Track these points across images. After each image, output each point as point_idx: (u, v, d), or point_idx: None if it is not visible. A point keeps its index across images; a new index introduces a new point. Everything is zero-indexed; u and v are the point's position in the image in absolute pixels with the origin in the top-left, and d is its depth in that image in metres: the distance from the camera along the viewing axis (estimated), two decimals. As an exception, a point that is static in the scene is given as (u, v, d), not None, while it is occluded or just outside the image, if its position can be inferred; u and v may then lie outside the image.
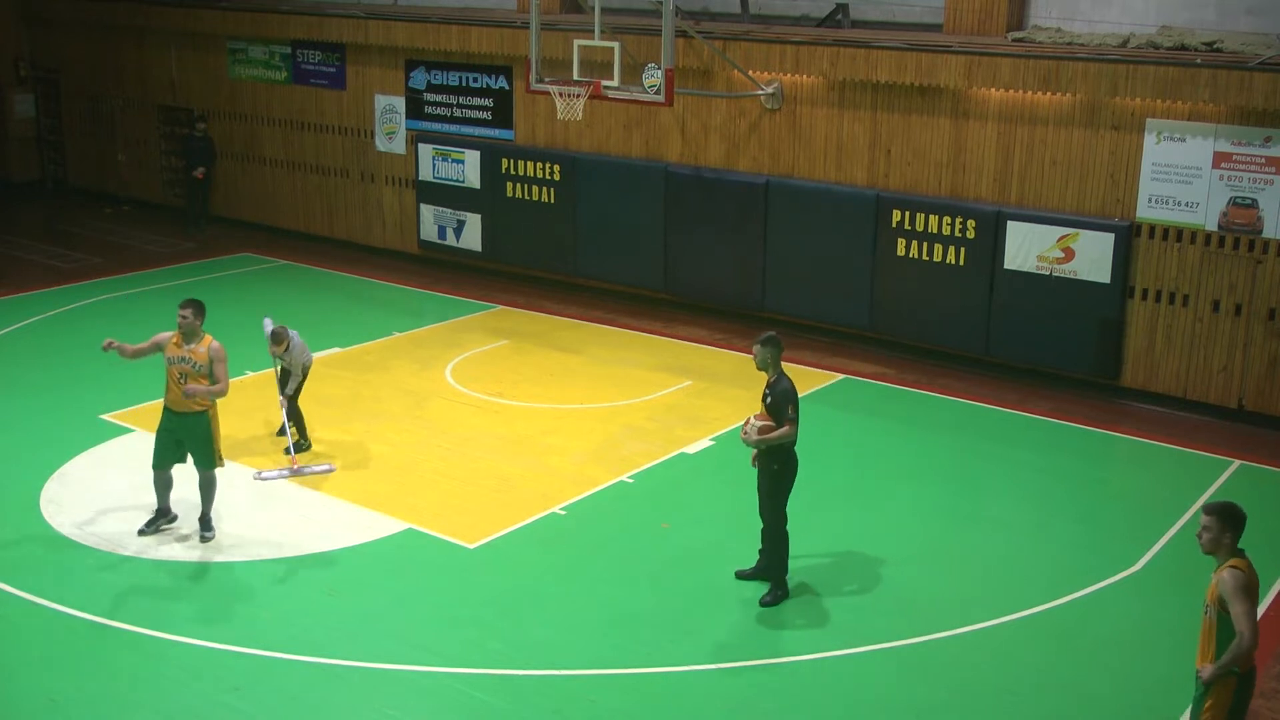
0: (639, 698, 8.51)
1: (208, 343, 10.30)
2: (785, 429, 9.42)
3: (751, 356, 9.72)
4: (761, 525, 9.95)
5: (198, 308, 10.37)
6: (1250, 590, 6.63)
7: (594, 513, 11.32)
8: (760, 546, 10.05)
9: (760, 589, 9.83)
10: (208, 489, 10.62)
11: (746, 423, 9.63)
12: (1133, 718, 8.40)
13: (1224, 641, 6.64)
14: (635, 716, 8.32)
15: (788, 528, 9.78)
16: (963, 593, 9.98)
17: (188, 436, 10.41)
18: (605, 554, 10.45)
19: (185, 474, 10.73)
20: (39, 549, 10.43)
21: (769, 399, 9.52)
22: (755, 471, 9.85)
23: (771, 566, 9.79)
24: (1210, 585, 6.74)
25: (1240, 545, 6.83)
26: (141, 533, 10.59)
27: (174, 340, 10.31)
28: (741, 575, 10.05)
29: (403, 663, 8.83)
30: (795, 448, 9.63)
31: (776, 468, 9.62)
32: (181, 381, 10.24)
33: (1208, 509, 6.85)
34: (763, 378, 9.73)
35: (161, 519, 10.72)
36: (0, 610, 9.44)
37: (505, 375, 14.96)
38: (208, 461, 10.53)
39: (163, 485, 10.68)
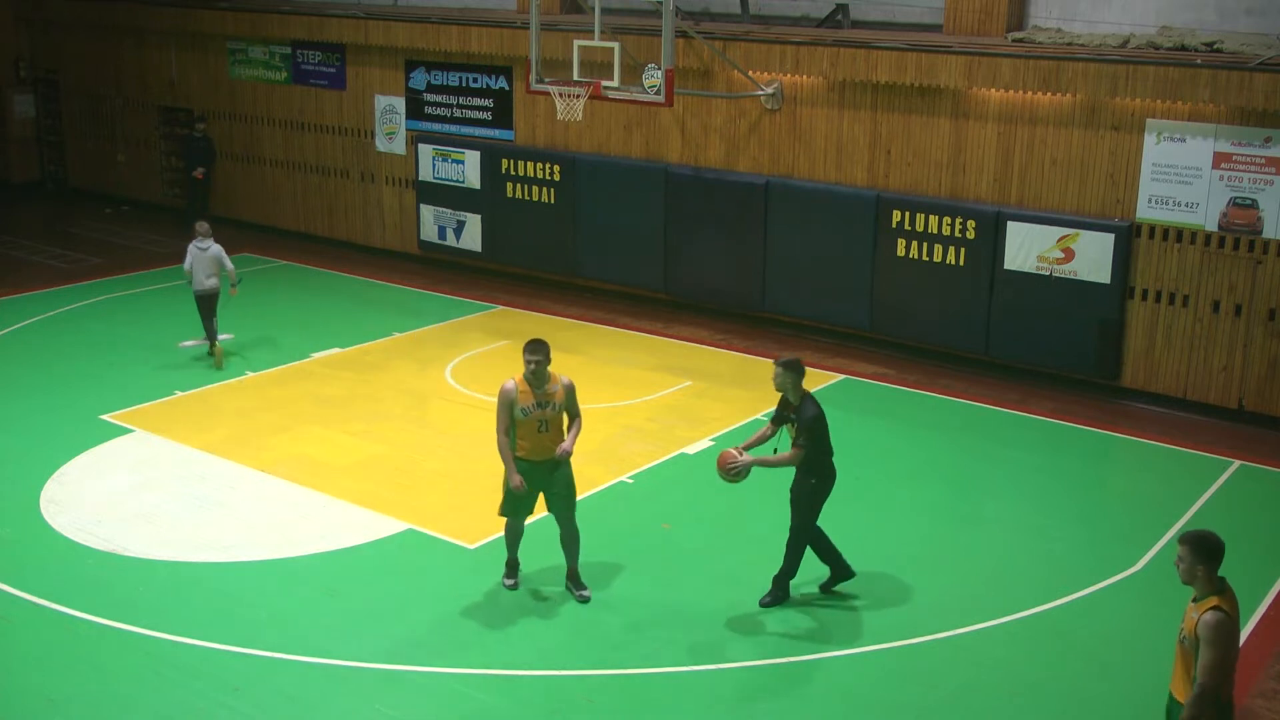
0: (639, 698, 8.51)
1: (558, 380, 9.40)
2: (788, 455, 9.30)
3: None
4: (820, 528, 9.76)
5: (547, 351, 9.36)
6: (1231, 636, 6.28)
7: (594, 513, 11.30)
8: (821, 558, 9.83)
9: (831, 592, 9.79)
10: (574, 542, 9.73)
11: (730, 460, 9.31)
12: (1133, 718, 8.39)
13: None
14: (635, 716, 8.32)
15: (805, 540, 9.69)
16: (963, 593, 9.98)
17: (549, 485, 9.49)
18: (605, 554, 10.43)
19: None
20: (39, 549, 10.43)
21: (796, 423, 9.36)
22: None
23: (784, 571, 9.69)
24: (1187, 616, 6.44)
25: (1228, 565, 6.46)
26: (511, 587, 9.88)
27: (521, 389, 9.32)
28: (825, 588, 9.87)
29: (403, 663, 8.83)
30: (834, 460, 9.51)
31: (814, 481, 9.48)
32: (543, 430, 9.31)
33: (1182, 539, 6.51)
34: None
35: (516, 570, 9.96)
36: (0, 610, 9.44)
37: (505, 375, 14.84)
38: (572, 504, 9.64)
39: (517, 535, 9.83)
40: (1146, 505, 11.70)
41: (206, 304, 15.05)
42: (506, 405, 9.30)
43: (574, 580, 9.77)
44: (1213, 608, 6.33)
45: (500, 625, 9.36)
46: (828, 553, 9.83)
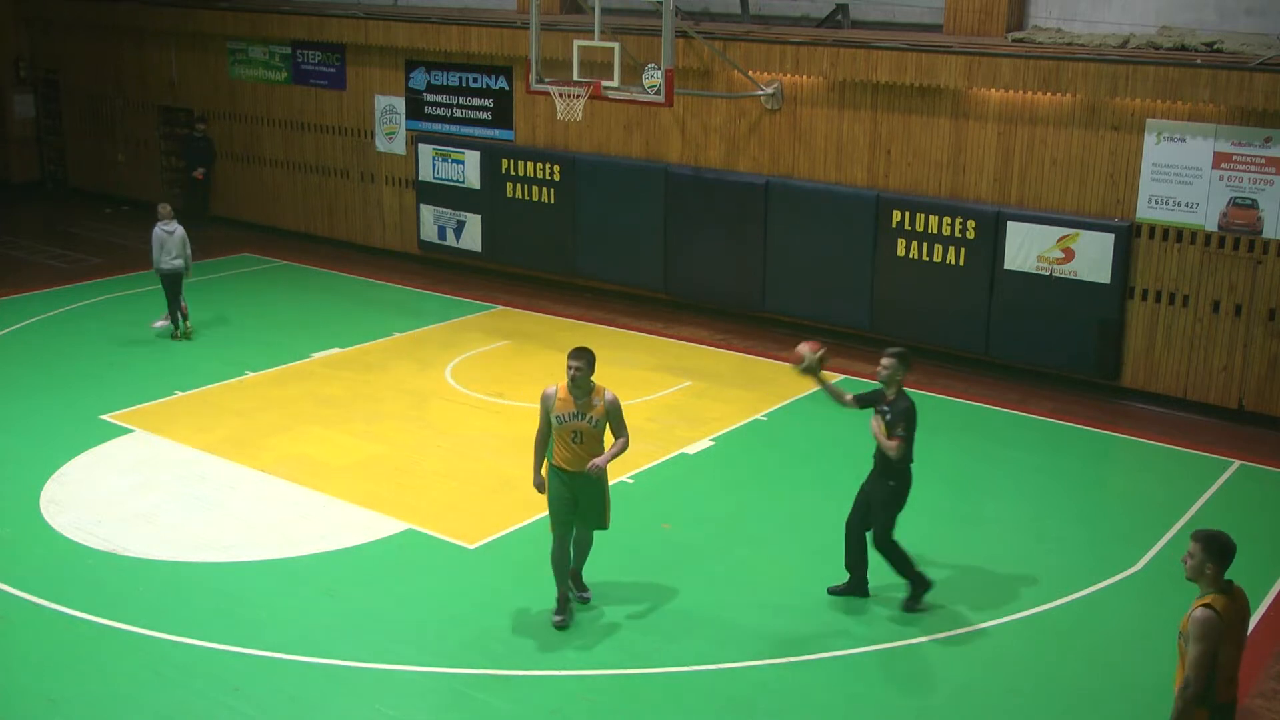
0: (639, 698, 8.51)
1: (603, 394, 9.05)
2: (893, 443, 9.27)
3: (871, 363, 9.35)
4: (866, 539, 9.68)
5: (590, 359, 9.00)
6: (1215, 636, 6.29)
7: (594, 513, 11.31)
8: (848, 561, 9.79)
9: (851, 602, 9.76)
10: (586, 547, 9.55)
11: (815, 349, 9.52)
12: (1133, 718, 8.39)
13: None
14: (635, 716, 8.32)
15: (895, 538, 9.62)
16: (963, 593, 9.97)
17: (585, 496, 9.23)
18: (605, 554, 10.42)
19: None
20: (39, 549, 10.43)
21: (889, 416, 9.35)
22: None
23: (901, 571, 9.61)
24: (1186, 615, 6.47)
25: (1231, 574, 6.51)
26: (561, 626, 9.36)
27: (560, 396, 9.01)
28: (833, 591, 9.84)
29: (403, 663, 8.83)
30: (912, 467, 9.46)
31: (893, 484, 9.47)
32: (577, 441, 9.03)
33: (1195, 535, 6.52)
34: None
35: (571, 600, 9.56)
36: (0, 610, 9.44)
37: (505, 375, 14.96)
38: (599, 521, 9.40)
39: (565, 562, 9.41)
40: (1146, 505, 11.70)
41: (173, 283, 15.86)
42: (544, 410, 9.09)
43: (576, 581, 9.73)
44: (1204, 605, 6.35)
45: (500, 625, 9.36)
46: (857, 560, 9.77)
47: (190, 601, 9.61)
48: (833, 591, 9.83)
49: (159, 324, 16.29)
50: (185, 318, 16.08)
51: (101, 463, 12.23)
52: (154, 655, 8.87)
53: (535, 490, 9.38)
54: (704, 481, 12.11)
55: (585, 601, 9.66)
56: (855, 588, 9.81)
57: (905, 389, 9.50)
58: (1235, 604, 6.45)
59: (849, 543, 9.75)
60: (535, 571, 10.09)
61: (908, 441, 9.32)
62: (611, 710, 8.37)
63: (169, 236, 15.66)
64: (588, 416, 9.00)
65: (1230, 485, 12.18)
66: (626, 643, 9.15)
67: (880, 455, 9.43)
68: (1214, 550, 6.42)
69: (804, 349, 9.48)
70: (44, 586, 9.75)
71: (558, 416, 9.01)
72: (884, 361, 9.44)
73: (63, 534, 10.67)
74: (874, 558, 9.70)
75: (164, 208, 15.91)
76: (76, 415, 13.38)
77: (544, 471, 9.31)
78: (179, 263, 15.73)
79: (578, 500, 9.24)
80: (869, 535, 9.64)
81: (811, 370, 9.48)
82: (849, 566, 9.80)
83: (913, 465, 9.52)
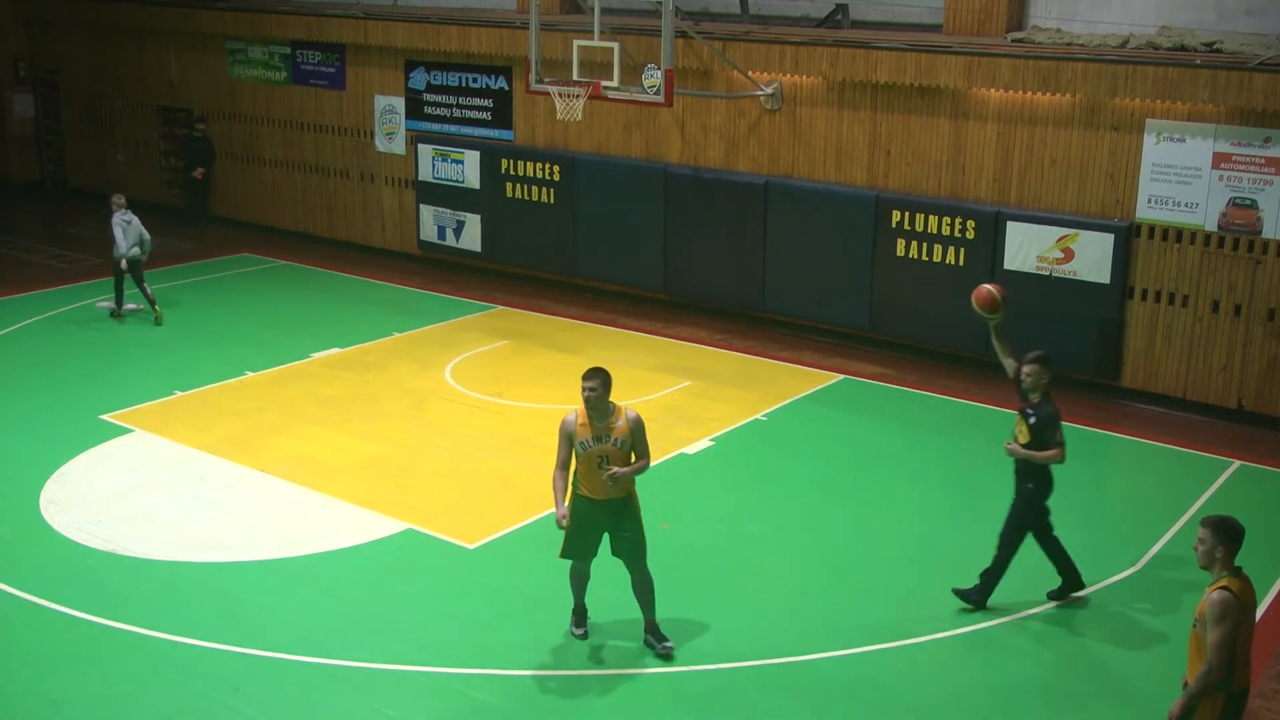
0: (639, 698, 8.51)
1: (624, 413, 8.61)
2: (1054, 452, 9.26)
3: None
4: (1056, 537, 9.69)
5: (605, 379, 8.55)
6: (1235, 616, 6.33)
7: (594, 513, 11.30)
8: (1055, 569, 9.74)
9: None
10: (648, 590, 8.98)
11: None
12: (1133, 718, 8.39)
13: None
14: (635, 716, 8.32)
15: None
16: (963, 593, 9.98)
17: (615, 527, 8.79)
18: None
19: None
20: (39, 549, 10.43)
21: (1033, 420, 9.33)
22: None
23: (991, 570, 9.59)
24: (1201, 600, 6.50)
25: (1238, 562, 6.56)
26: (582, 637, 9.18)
27: (580, 422, 8.58)
28: (1052, 596, 9.78)
29: (403, 663, 8.84)
30: (1052, 469, 9.44)
31: (1032, 486, 9.46)
32: (603, 465, 8.54)
33: (1204, 522, 6.57)
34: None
35: (585, 618, 9.25)
36: (0, 610, 9.44)
37: (505, 375, 14.96)
38: (638, 556, 8.91)
39: (583, 579, 9.15)
40: (1146, 505, 11.70)
41: (134, 270, 16.54)
42: (565, 438, 8.59)
43: (653, 633, 9.04)
44: (1220, 587, 6.41)
45: (500, 625, 9.36)
46: (1057, 560, 9.73)
47: (190, 601, 9.61)
48: (1052, 597, 9.74)
49: (106, 304, 17.12)
50: (154, 302, 16.78)
51: (101, 463, 12.23)
52: (154, 655, 8.87)
53: (557, 526, 8.68)
54: (704, 481, 12.11)
55: (668, 654, 8.90)
56: (1071, 585, 9.73)
57: (1047, 397, 9.45)
58: (1247, 587, 6.49)
59: (1043, 551, 9.70)
60: (535, 571, 10.10)
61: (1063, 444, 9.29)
62: (611, 710, 8.37)
63: (129, 226, 16.34)
64: (612, 439, 8.55)
65: (1230, 485, 12.18)
66: (627, 643, 9.14)
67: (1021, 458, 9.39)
68: (1224, 534, 6.49)
69: (992, 292, 10.03)
70: (44, 586, 9.75)
71: (581, 444, 8.55)
72: (1026, 369, 9.44)
73: (63, 534, 10.67)
74: (1072, 550, 9.69)
75: (118, 198, 16.56)
76: (76, 415, 13.38)
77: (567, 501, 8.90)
78: (138, 250, 16.46)
79: (605, 530, 8.85)
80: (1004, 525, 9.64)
81: (998, 304, 9.90)
82: (1059, 572, 9.74)
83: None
